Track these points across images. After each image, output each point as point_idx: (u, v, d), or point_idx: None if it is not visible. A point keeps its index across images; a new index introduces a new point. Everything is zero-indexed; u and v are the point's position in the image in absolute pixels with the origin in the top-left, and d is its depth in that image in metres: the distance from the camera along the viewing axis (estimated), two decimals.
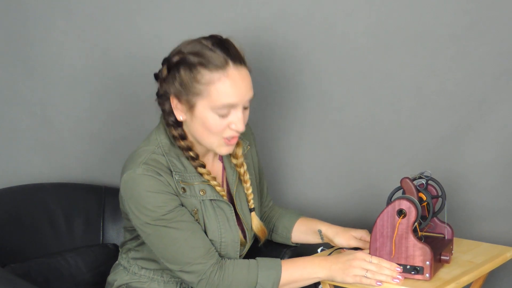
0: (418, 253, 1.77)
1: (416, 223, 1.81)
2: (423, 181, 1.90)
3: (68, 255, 2.15)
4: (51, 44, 2.43)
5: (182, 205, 1.83)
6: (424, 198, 1.87)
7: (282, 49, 2.29)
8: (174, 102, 1.83)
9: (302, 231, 2.09)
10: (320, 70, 2.28)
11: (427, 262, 1.76)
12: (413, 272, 1.78)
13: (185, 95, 1.80)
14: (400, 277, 1.77)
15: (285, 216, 2.12)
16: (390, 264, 1.78)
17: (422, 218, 1.88)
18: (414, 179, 1.90)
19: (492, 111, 2.19)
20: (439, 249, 1.84)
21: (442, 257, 1.84)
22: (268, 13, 2.28)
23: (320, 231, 2.06)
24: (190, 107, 1.80)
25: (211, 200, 1.88)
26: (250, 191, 1.98)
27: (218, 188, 1.89)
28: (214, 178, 1.89)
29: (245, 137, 2.02)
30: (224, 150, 1.86)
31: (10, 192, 2.24)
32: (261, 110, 2.34)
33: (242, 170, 1.97)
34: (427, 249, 1.76)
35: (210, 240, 1.85)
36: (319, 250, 2.01)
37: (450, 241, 1.93)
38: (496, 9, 2.13)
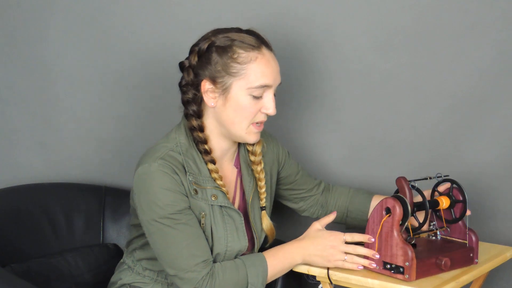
0: (400, 253, 1.76)
1: (407, 223, 1.80)
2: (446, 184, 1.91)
3: (68, 255, 2.15)
4: (51, 44, 2.43)
5: (191, 207, 1.83)
6: (444, 202, 1.88)
7: (282, 50, 2.28)
8: (205, 87, 1.83)
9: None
10: (320, 70, 2.28)
11: (407, 263, 1.75)
12: (394, 271, 1.77)
13: (221, 77, 1.81)
14: (377, 256, 1.80)
15: (357, 196, 2.12)
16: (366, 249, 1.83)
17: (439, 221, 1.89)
18: (438, 182, 1.90)
19: (492, 111, 2.19)
20: (436, 253, 1.82)
21: (437, 261, 1.81)
22: (268, 13, 2.27)
23: None
24: (225, 89, 1.82)
25: (221, 206, 1.87)
26: (263, 189, 1.98)
27: (228, 196, 1.89)
28: (224, 186, 1.89)
29: (268, 139, 2.04)
30: (253, 138, 1.87)
31: (10, 192, 2.24)
32: None
33: (258, 168, 1.97)
34: (408, 250, 1.75)
35: (217, 253, 1.85)
36: None
37: (470, 248, 1.87)
38: (496, 9, 2.12)
